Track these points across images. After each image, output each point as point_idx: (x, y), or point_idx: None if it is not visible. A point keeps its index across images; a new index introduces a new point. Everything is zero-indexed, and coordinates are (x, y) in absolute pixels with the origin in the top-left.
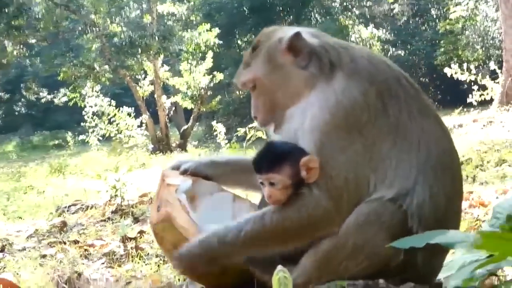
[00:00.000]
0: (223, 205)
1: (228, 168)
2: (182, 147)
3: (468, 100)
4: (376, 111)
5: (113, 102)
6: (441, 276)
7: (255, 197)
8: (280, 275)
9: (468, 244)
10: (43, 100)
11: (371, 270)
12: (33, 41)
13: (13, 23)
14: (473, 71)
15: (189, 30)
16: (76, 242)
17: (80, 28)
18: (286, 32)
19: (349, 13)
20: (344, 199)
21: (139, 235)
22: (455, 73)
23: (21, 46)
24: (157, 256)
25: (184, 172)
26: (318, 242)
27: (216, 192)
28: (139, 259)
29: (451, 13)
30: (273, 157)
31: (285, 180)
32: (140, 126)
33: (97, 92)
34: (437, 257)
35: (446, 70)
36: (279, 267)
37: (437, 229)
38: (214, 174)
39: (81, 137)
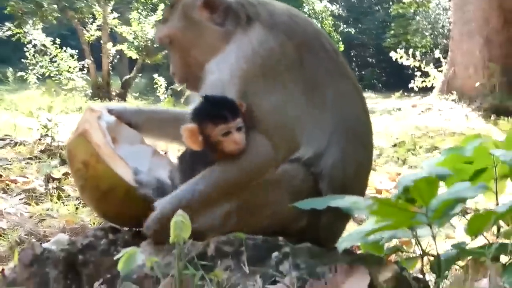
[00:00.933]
0: (141, 157)
1: (154, 118)
2: (122, 96)
3: (410, 85)
4: (293, 63)
5: (57, 42)
6: None
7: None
8: (178, 219)
9: (365, 209)
10: None
11: (272, 229)
12: None
13: None
14: (418, 57)
15: None
16: None
17: None
18: None
19: None
20: (277, 142)
21: (63, 176)
22: (401, 57)
23: None
24: (77, 199)
25: (109, 112)
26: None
27: (137, 143)
28: (58, 200)
29: None
30: (231, 104)
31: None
32: (82, 70)
33: (41, 30)
34: (338, 222)
35: (392, 54)
36: (180, 211)
37: (344, 194)
38: (138, 122)
39: (21, 73)
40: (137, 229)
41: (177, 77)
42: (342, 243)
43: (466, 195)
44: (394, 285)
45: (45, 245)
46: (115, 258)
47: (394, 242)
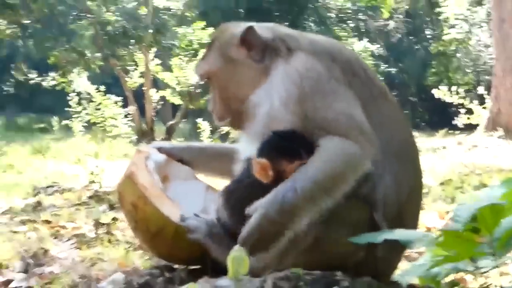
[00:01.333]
0: (195, 193)
1: (204, 153)
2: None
3: (454, 123)
4: (344, 84)
5: (101, 88)
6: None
7: None
8: (236, 255)
9: (428, 241)
10: (31, 82)
11: (330, 263)
12: (27, 21)
13: (8, 1)
14: (462, 94)
15: (183, 26)
16: (48, 222)
17: (74, 13)
18: (240, 27)
19: (344, 25)
20: (357, 138)
21: (112, 221)
22: (444, 95)
23: (15, 25)
24: (127, 242)
25: (159, 151)
26: None
27: (190, 179)
28: (109, 243)
29: (445, 34)
30: (303, 139)
31: None
32: (126, 116)
33: (87, 78)
34: (394, 254)
35: (434, 92)
36: (237, 246)
37: (398, 220)
38: (189, 158)
39: (66, 122)
40: (192, 267)
41: (216, 114)
42: (404, 277)
43: None
44: None
45: (100, 285)
46: None
47: (450, 277)
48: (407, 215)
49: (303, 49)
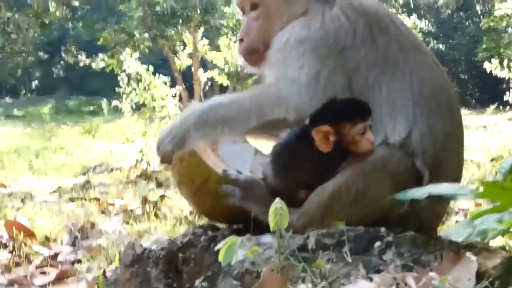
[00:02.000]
0: (243, 155)
1: None
2: None
3: (505, 98)
4: (363, 39)
5: (150, 69)
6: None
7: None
8: (277, 206)
9: (470, 194)
10: (81, 64)
11: (372, 217)
12: (76, 3)
13: None
14: None
15: (231, 5)
16: (96, 199)
17: None
18: None
19: (393, 1)
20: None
21: (160, 198)
22: (495, 68)
23: (64, 7)
24: (174, 218)
25: None
26: (321, 186)
27: (239, 142)
28: (156, 218)
29: (495, 10)
30: (362, 102)
31: None
32: (174, 97)
33: (135, 59)
34: (439, 205)
35: (486, 65)
36: (277, 199)
37: (437, 167)
38: None
39: (115, 102)
40: (234, 226)
41: (246, 44)
42: (450, 232)
43: None
44: (503, 271)
45: (145, 244)
46: (216, 249)
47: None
48: (445, 162)
49: (341, 2)
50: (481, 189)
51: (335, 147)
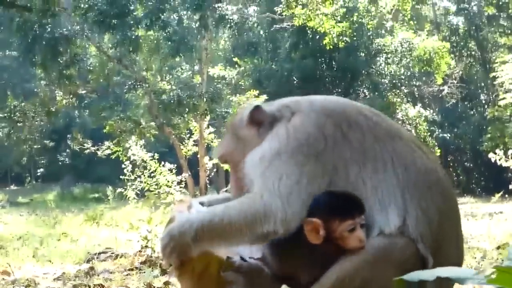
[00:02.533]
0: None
1: None
2: None
3: (510, 187)
4: (334, 140)
5: (156, 157)
6: None
7: None
8: None
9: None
10: (86, 151)
11: None
12: (83, 92)
13: (65, 72)
14: None
15: (237, 94)
16: (101, 286)
17: (130, 83)
18: (247, 108)
19: (398, 91)
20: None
21: (164, 285)
22: (500, 159)
23: (71, 96)
24: None
25: (201, 204)
26: (326, 274)
27: None
28: None
29: (500, 99)
30: (356, 199)
31: None
32: (179, 183)
33: (141, 147)
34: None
35: (491, 155)
36: (284, 286)
37: (437, 249)
38: None
39: (120, 190)
40: None
41: (233, 195)
42: None
43: None
44: None
45: None
46: None
47: None
48: (445, 243)
49: (302, 110)
50: (494, 275)
51: (326, 240)
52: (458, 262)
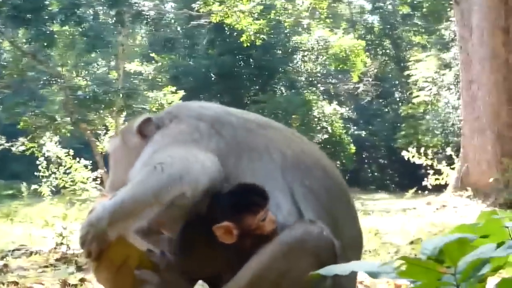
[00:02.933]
0: None
1: None
2: None
3: (423, 184)
4: (209, 135)
5: (71, 153)
6: None
7: None
8: None
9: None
10: (0, 148)
11: None
12: None
13: None
14: (430, 156)
15: (154, 90)
16: (15, 283)
17: (45, 79)
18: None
19: (314, 89)
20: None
21: (80, 282)
22: (413, 156)
23: None
24: None
25: None
26: (242, 268)
27: None
28: None
29: (414, 97)
30: (258, 186)
31: None
32: (95, 180)
33: (56, 143)
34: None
35: (404, 154)
36: (200, 282)
37: (332, 224)
38: None
39: (35, 186)
40: None
41: (108, 187)
42: None
43: (495, 255)
44: None
45: None
46: None
47: None
48: (339, 220)
49: (179, 116)
50: (404, 267)
51: (240, 236)
52: (357, 244)
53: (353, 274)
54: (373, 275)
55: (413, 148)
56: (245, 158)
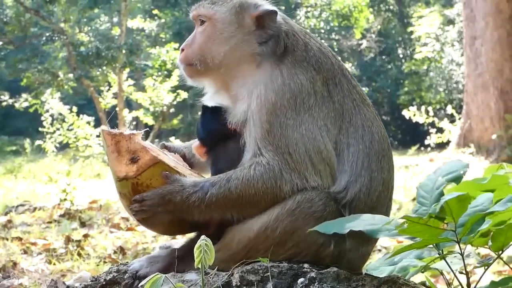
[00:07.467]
0: None
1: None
2: None
3: (426, 142)
4: (322, 97)
5: (74, 109)
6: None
7: None
8: (202, 243)
9: (393, 229)
10: (3, 104)
11: (299, 257)
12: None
13: None
14: (431, 114)
15: (157, 47)
16: (19, 239)
17: (48, 35)
18: (265, 3)
19: None
20: (310, 171)
21: (83, 238)
22: (414, 115)
23: None
24: (98, 257)
25: (165, 147)
26: (245, 226)
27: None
28: (80, 257)
29: (417, 53)
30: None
31: None
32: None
33: (59, 99)
34: (364, 246)
35: (405, 113)
36: (203, 236)
37: (365, 211)
38: (189, 156)
39: (38, 142)
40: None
41: (185, 54)
42: (369, 266)
43: (494, 209)
44: None
45: (68, 282)
46: (140, 286)
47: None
48: (375, 211)
49: (295, 55)
50: (405, 225)
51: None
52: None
53: (364, 250)
54: (373, 233)
55: (415, 105)
56: (344, 130)
